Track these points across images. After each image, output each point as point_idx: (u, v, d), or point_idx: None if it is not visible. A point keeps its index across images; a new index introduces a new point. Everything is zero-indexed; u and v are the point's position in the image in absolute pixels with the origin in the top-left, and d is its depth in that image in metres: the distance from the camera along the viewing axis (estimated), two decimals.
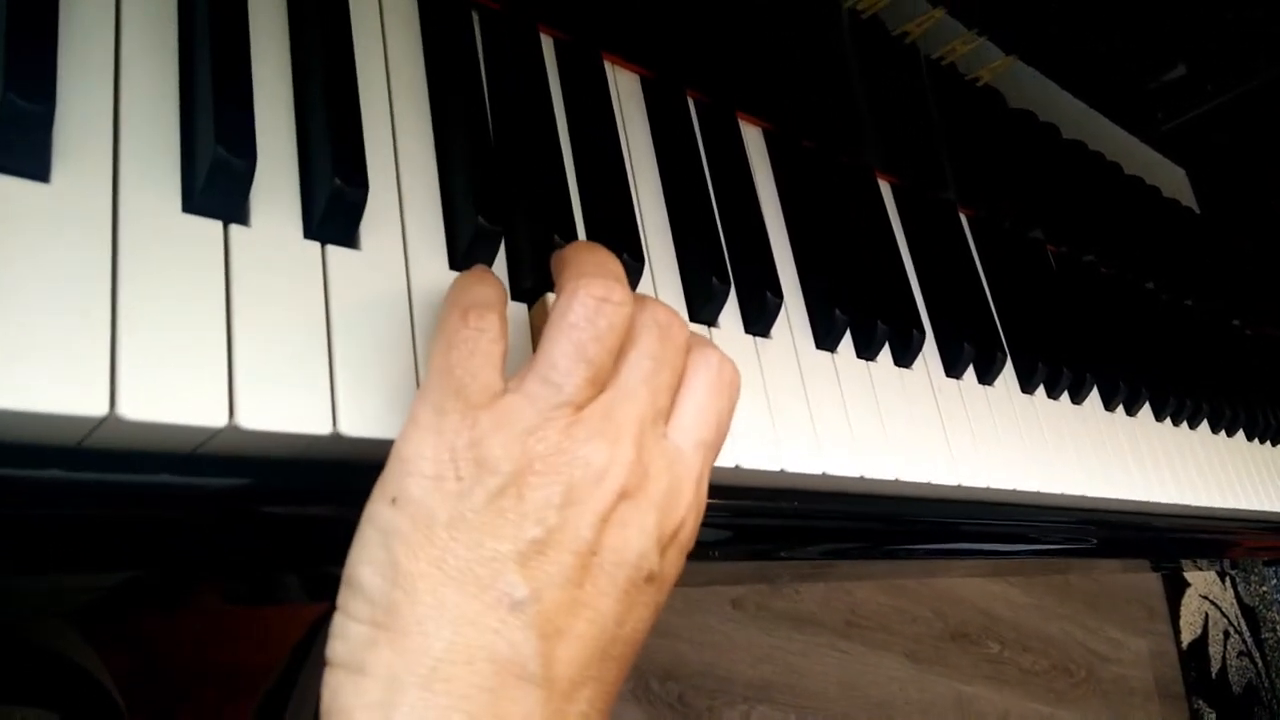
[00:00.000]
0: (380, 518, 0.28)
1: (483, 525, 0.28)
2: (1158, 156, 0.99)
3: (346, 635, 0.28)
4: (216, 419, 0.29)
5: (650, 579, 0.30)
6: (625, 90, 0.49)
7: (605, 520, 0.29)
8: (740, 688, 1.52)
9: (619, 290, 0.31)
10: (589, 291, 0.30)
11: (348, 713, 0.27)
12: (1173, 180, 1.01)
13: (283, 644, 0.76)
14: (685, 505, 0.32)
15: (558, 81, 0.45)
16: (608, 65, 0.48)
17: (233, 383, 0.29)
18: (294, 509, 0.33)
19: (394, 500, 0.28)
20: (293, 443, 0.31)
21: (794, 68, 0.57)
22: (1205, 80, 0.93)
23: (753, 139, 0.55)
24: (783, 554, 0.53)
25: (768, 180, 0.55)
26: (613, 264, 0.32)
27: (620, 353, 0.31)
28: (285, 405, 0.30)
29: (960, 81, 0.70)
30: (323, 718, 0.28)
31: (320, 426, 0.31)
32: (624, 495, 0.30)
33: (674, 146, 0.48)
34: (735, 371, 0.35)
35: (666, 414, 0.32)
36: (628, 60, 0.49)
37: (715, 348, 0.34)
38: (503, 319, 0.31)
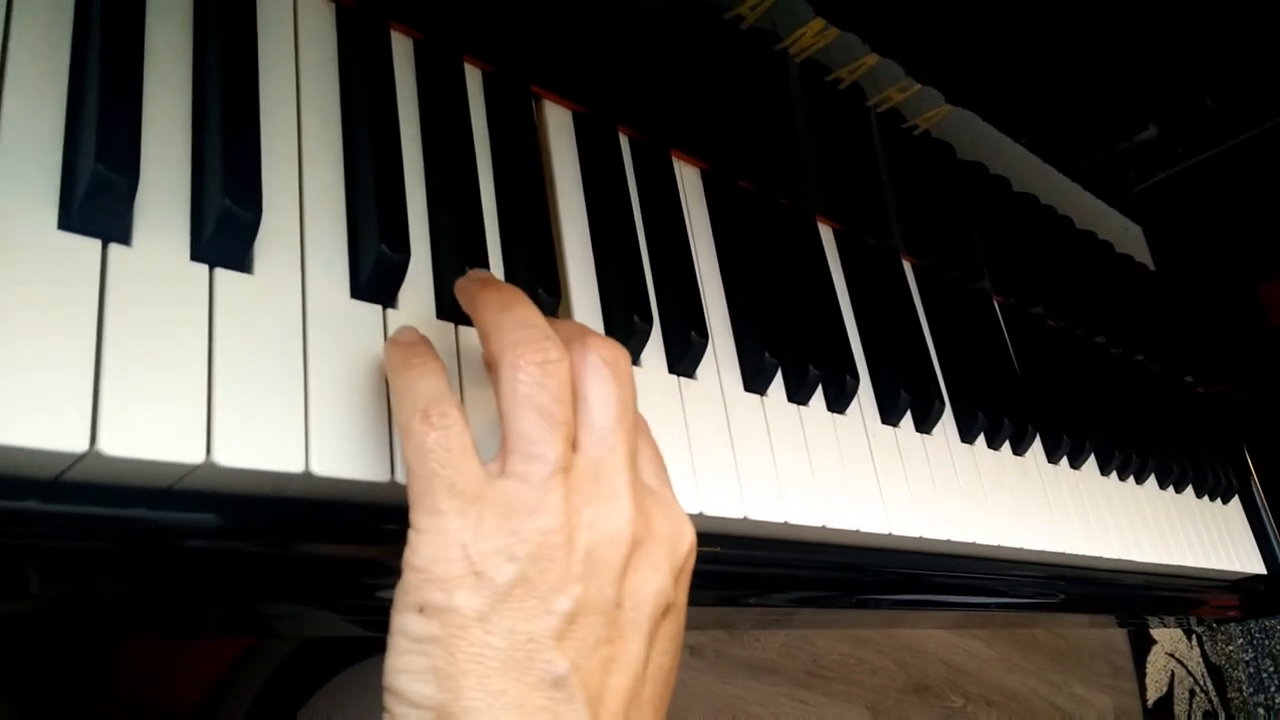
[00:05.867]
0: (410, 628, 0.29)
1: (513, 612, 0.28)
2: (1112, 212, 1.00)
3: None
4: (78, 445, 0.27)
5: (667, 611, 0.32)
6: (555, 125, 0.48)
7: (623, 573, 0.31)
8: None
9: (554, 348, 0.31)
10: (528, 359, 0.31)
11: None
12: (1127, 236, 1.02)
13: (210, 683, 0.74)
14: (688, 533, 0.34)
15: (483, 114, 0.45)
16: (539, 99, 0.48)
17: (98, 407, 0.28)
18: (167, 541, 0.32)
19: (421, 609, 0.29)
20: (166, 472, 0.30)
21: (730, 108, 0.57)
22: (1176, 142, 0.94)
23: (689, 179, 0.55)
24: (750, 600, 0.53)
25: (703, 221, 0.54)
26: (533, 315, 0.32)
27: (580, 397, 0.32)
28: (158, 433, 0.29)
29: (907, 131, 0.70)
30: None
31: (193, 455, 0.30)
32: (636, 545, 0.31)
33: (602, 182, 0.48)
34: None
35: (636, 454, 0.33)
36: (558, 95, 0.49)
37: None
38: (458, 404, 0.31)
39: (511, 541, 0.29)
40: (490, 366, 0.32)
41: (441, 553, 0.29)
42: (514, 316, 0.32)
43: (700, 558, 0.48)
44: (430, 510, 0.29)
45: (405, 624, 0.29)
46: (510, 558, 0.29)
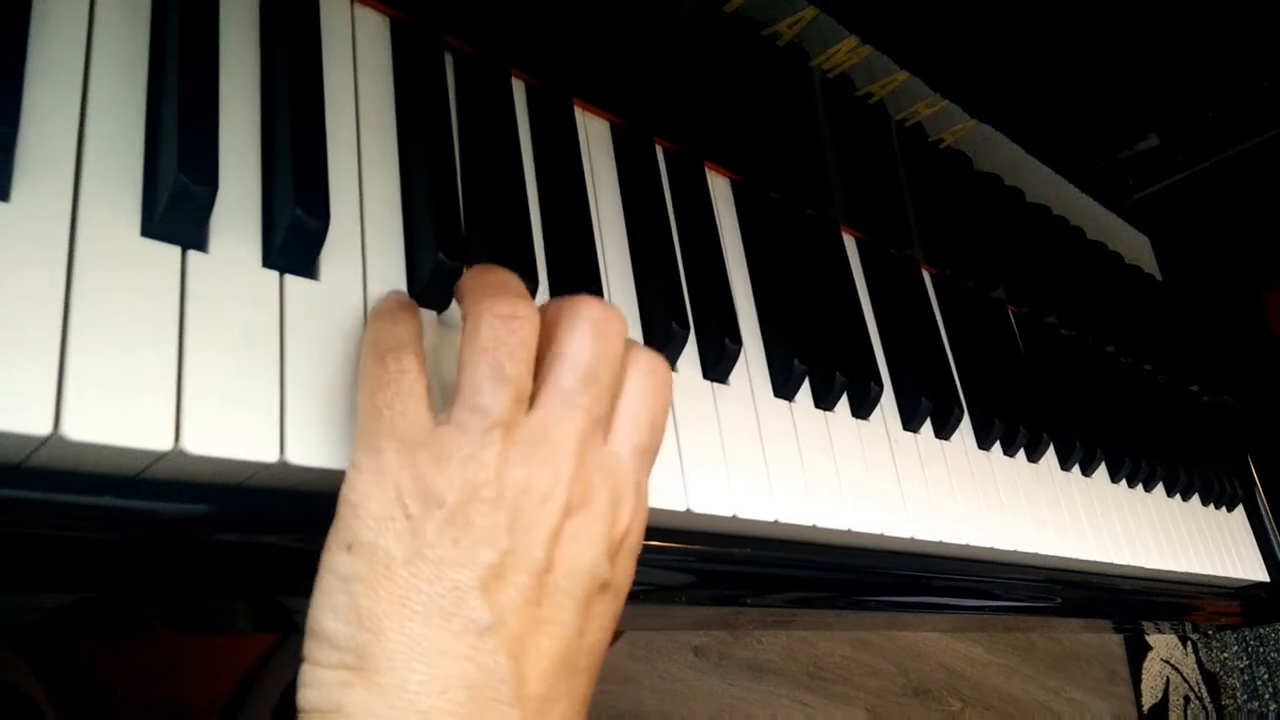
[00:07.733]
0: (339, 565, 0.29)
1: (439, 558, 0.28)
2: (1121, 223, 1.01)
3: (318, 682, 0.28)
4: (162, 443, 0.29)
5: (604, 588, 0.31)
6: (594, 136, 0.50)
7: (555, 537, 0.30)
8: None
9: (522, 305, 0.31)
10: (494, 311, 0.31)
11: None
12: (1136, 247, 1.03)
13: (230, 679, 0.75)
14: (629, 512, 0.32)
15: (527, 125, 0.46)
16: (578, 111, 0.49)
17: (180, 408, 0.29)
18: (244, 537, 0.33)
19: (349, 547, 0.29)
20: (239, 469, 0.31)
21: (762, 121, 0.58)
22: (1177, 151, 0.95)
23: (720, 189, 0.56)
24: (748, 600, 0.54)
25: (733, 230, 0.56)
26: (512, 282, 0.33)
27: (553, 354, 0.32)
28: (233, 432, 0.30)
29: (927, 143, 0.72)
30: None
31: (268, 454, 0.31)
32: (569, 512, 0.30)
33: (640, 192, 0.49)
34: (667, 370, 0.35)
35: (606, 421, 0.33)
36: (598, 107, 0.50)
37: (645, 348, 0.35)
38: (419, 356, 0.31)
39: (442, 487, 0.29)
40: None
41: (376, 491, 0.29)
42: (494, 278, 0.33)
43: (727, 558, 0.50)
44: (371, 450, 0.29)
45: (334, 561, 0.29)
46: (439, 503, 0.28)
